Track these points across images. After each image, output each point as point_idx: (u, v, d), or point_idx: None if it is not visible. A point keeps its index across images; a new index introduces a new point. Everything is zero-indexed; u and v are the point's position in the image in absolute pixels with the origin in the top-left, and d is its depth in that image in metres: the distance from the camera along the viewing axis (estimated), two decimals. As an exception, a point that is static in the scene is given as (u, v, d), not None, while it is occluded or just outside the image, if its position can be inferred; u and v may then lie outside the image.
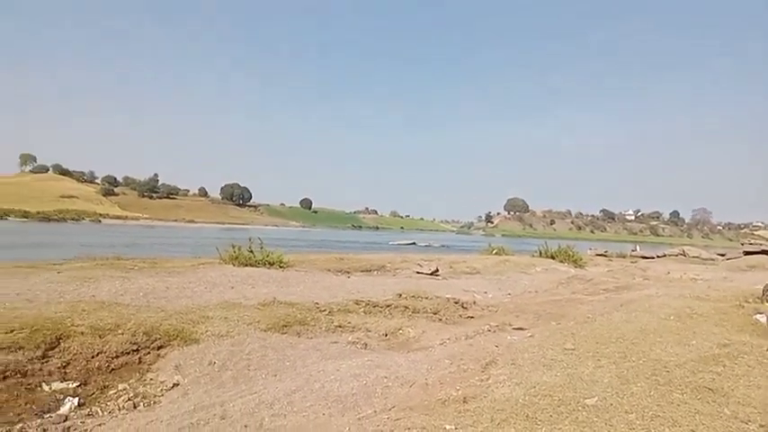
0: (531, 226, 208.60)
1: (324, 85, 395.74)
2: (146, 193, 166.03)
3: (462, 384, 5.16)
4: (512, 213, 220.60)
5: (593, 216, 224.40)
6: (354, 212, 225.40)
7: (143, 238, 54.56)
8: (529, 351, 6.18)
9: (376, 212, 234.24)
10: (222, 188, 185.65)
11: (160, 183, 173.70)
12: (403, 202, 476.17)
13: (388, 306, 9.95)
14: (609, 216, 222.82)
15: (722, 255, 33.29)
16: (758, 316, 7.91)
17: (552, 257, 24.32)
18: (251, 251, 15.01)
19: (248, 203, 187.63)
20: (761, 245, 31.16)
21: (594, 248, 37.54)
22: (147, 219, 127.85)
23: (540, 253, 25.26)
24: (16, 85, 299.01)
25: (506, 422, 3.82)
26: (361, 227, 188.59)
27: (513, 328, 8.65)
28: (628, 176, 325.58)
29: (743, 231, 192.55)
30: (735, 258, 30.15)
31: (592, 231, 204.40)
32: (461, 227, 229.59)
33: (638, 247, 41.81)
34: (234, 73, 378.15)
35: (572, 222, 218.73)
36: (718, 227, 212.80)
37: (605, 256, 33.35)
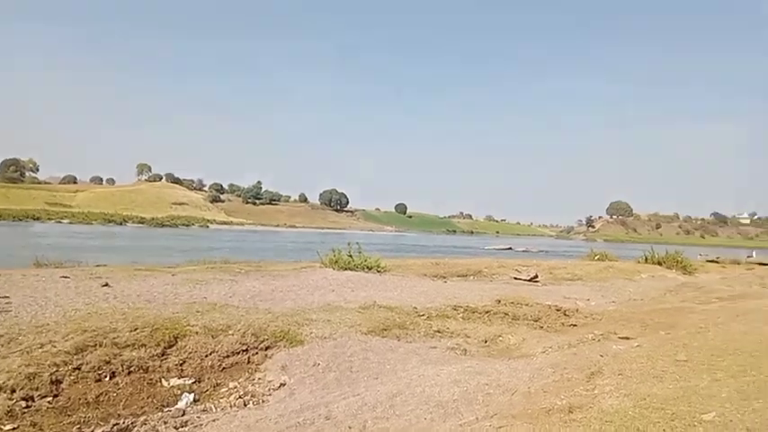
0: (635, 230, 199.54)
1: (420, 89, 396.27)
2: (249, 200, 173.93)
3: (567, 394, 5.04)
4: (614, 217, 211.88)
5: (702, 220, 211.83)
6: (449, 217, 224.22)
7: (247, 243, 57.10)
8: (637, 361, 5.95)
9: (470, 217, 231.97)
10: (321, 194, 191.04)
11: (263, 189, 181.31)
12: (498, 206, 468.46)
13: (487, 312, 9.88)
14: (721, 220, 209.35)
15: None
16: None
17: (659, 264, 23.24)
18: (350, 255, 15.36)
19: (345, 209, 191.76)
20: None
21: (705, 254, 35.61)
22: (250, 224, 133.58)
23: (646, 259, 24.25)
24: (132, 99, 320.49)
25: (616, 435, 3.71)
26: (455, 231, 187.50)
27: (619, 338, 8.35)
28: (742, 177, 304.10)
29: None
30: None
31: (702, 236, 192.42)
32: (560, 231, 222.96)
33: (754, 253, 39.18)
34: (330, 80, 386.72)
35: (680, 227, 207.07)
36: None
37: (717, 262, 31.45)
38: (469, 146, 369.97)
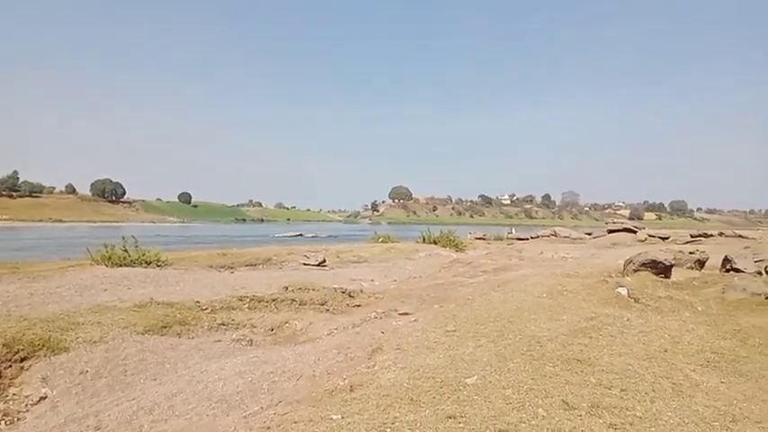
0: (414, 213, 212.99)
1: (201, 71, 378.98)
2: (4, 192, 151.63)
3: (349, 373, 5.19)
4: (396, 201, 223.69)
5: (472, 201, 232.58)
6: (238, 205, 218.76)
7: (2, 242, 50.05)
8: (413, 335, 6.33)
9: (260, 205, 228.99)
10: (92, 184, 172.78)
11: (21, 180, 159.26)
12: (288, 193, 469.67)
13: (274, 300, 9.81)
14: (486, 201, 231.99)
15: (589, 234, 35.86)
16: (620, 289, 8.62)
17: (435, 243, 25.07)
18: (125, 250, 14.19)
19: (122, 199, 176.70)
20: (622, 223, 33.99)
21: (474, 232, 39.00)
22: (6, 220, 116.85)
23: (424, 239, 25.97)
24: None
25: (391, 407, 3.89)
26: (245, 220, 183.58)
27: (399, 314, 8.83)
28: (503, 163, 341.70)
29: (607, 211, 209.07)
30: (600, 237, 32.68)
31: (471, 216, 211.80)
32: (348, 216, 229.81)
33: (513, 230, 44.00)
34: (97, 55, 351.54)
35: (453, 208, 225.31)
36: (586, 208, 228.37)
37: (484, 239, 34.81)
38: (256, 133, 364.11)
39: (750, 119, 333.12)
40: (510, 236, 36.94)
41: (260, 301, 9.68)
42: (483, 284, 11.44)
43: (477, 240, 33.53)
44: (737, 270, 10.87)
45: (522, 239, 33.99)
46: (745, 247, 14.43)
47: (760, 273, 10.64)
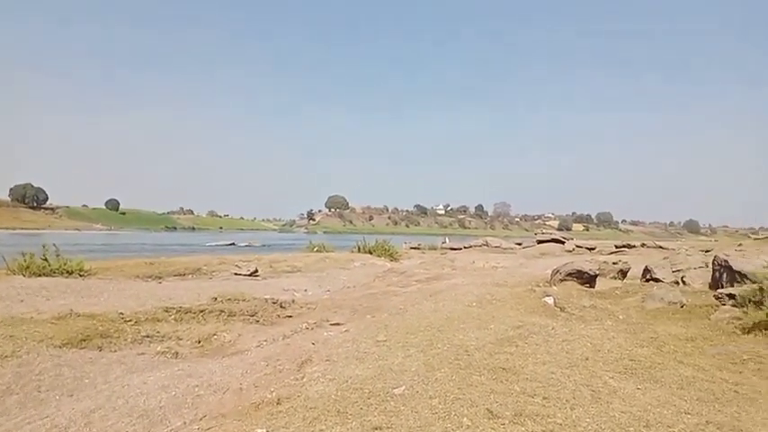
0: (351, 222, 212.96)
1: (126, 74, 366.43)
2: None
3: (277, 386, 5.11)
4: (333, 210, 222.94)
5: (407, 211, 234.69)
6: (168, 213, 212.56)
7: None
8: (343, 346, 6.31)
9: (192, 212, 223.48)
10: (11, 189, 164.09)
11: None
12: (221, 201, 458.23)
13: (202, 311, 9.55)
14: (422, 211, 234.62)
15: (519, 244, 36.86)
16: (546, 298, 8.87)
17: (370, 252, 25.12)
18: (45, 259, 13.53)
19: (44, 205, 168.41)
20: (551, 234, 35.19)
21: (409, 242, 39.41)
22: None
23: (359, 248, 25.97)
24: None
25: (318, 419, 3.85)
26: (175, 228, 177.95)
27: (331, 324, 8.77)
28: (439, 174, 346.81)
29: (537, 222, 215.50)
30: (529, 247, 33.67)
31: (407, 226, 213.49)
32: (283, 225, 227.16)
33: (447, 240, 44.57)
34: (25, 57, 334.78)
35: (389, 218, 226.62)
36: (517, 219, 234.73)
37: (419, 248, 35.17)
38: (187, 139, 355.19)
39: (674, 134, 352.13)
40: (444, 245, 37.43)
41: (187, 313, 9.40)
42: (416, 294, 11.53)
43: (412, 250, 33.86)
44: (657, 280, 11.41)
45: (455, 249, 34.54)
46: (665, 258, 15.14)
47: (677, 282, 11.20)
